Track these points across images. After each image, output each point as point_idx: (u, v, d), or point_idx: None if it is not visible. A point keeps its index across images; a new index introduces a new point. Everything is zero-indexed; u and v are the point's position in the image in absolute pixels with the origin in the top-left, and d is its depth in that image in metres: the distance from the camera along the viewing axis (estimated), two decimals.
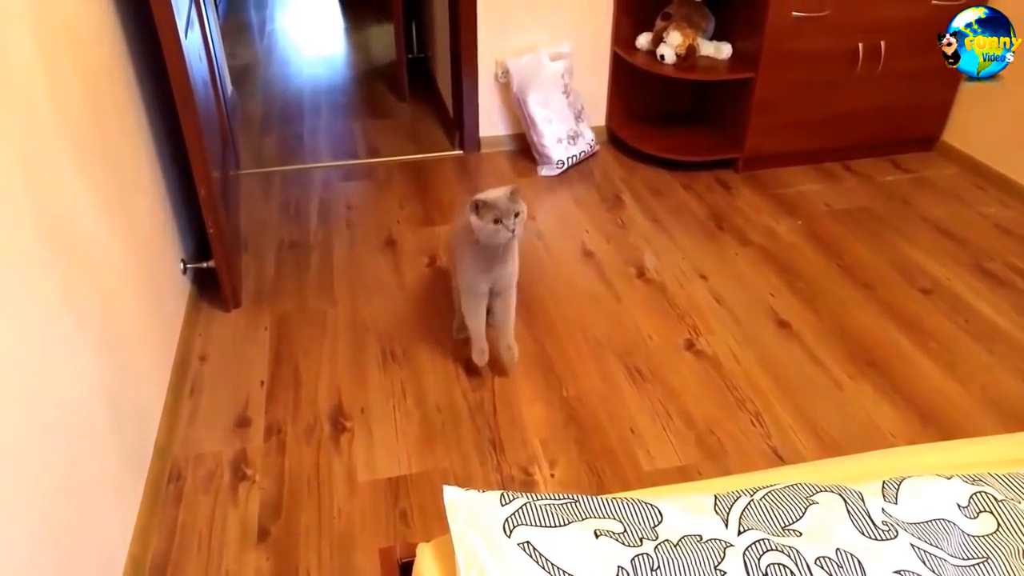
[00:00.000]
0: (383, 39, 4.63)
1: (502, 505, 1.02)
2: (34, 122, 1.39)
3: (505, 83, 3.12)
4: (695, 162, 3.13)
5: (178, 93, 1.95)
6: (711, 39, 3.07)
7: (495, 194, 1.82)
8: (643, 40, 3.09)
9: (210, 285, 2.35)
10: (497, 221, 1.79)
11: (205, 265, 2.26)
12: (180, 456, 1.85)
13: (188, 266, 2.26)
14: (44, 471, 1.24)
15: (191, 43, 2.18)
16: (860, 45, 2.89)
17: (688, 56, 2.94)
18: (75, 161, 1.55)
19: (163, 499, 1.74)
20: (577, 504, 1.03)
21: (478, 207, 1.81)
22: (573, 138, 3.10)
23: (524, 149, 3.22)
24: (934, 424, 1.95)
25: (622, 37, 3.14)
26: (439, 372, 2.12)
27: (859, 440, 1.91)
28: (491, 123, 3.22)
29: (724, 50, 3.01)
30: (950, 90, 3.14)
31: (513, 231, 1.81)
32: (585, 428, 1.95)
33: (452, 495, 1.04)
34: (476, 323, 2.03)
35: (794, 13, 2.77)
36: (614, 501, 1.04)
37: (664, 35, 2.96)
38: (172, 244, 2.21)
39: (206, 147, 2.08)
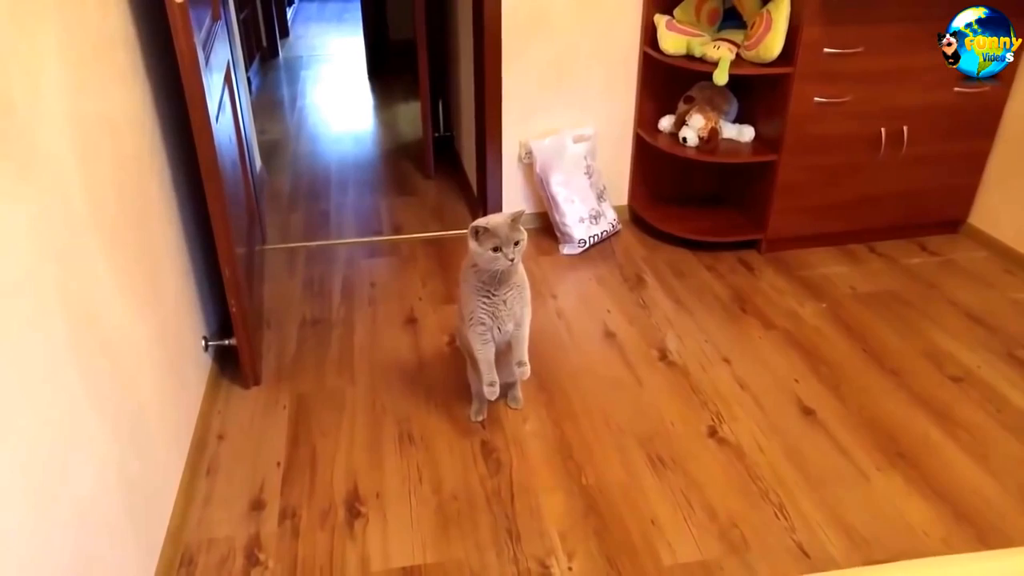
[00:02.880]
0: (410, 117, 4.76)
1: None
2: (66, 211, 1.42)
3: (528, 164, 3.17)
4: (718, 243, 3.13)
5: (207, 179, 2.00)
6: (734, 122, 3.11)
7: (496, 220, 1.83)
8: (665, 123, 3.14)
9: (231, 362, 2.36)
10: (496, 249, 1.80)
11: (227, 343, 2.28)
12: (193, 540, 1.82)
13: (210, 343, 2.28)
14: (53, 559, 1.22)
15: (222, 126, 2.25)
16: (883, 130, 2.91)
17: (710, 139, 2.98)
18: (104, 247, 1.58)
19: None
20: None
21: (478, 233, 1.82)
22: (595, 218, 3.13)
23: (547, 228, 3.25)
24: (968, 521, 1.87)
25: (645, 120, 3.20)
26: (456, 456, 2.09)
27: (889, 537, 1.83)
28: (514, 202, 3.26)
29: (747, 133, 3.05)
30: (975, 174, 3.13)
31: (512, 260, 1.81)
32: (605, 519, 1.89)
33: None
34: (484, 352, 2.00)
35: (816, 98, 2.81)
36: None
37: (687, 118, 3.01)
38: (195, 322, 2.23)
39: (231, 229, 2.12)
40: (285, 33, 6.87)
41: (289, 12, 7.35)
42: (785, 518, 1.89)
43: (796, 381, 2.38)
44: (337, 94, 5.52)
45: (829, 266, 3.04)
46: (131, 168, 1.82)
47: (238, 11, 4.80)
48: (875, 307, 2.76)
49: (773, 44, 2.71)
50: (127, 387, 1.63)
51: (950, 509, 1.90)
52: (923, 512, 1.90)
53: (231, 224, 2.12)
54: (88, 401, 1.42)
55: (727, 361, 2.47)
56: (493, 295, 1.96)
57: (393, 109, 5.08)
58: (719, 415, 2.24)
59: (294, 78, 5.88)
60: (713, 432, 2.17)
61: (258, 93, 5.31)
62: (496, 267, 1.86)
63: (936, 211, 3.20)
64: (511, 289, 1.97)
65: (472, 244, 1.87)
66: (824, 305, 2.78)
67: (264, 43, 6.04)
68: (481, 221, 1.85)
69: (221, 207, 2.06)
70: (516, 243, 1.85)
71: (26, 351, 1.21)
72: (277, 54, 6.31)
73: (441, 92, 4.22)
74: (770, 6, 2.72)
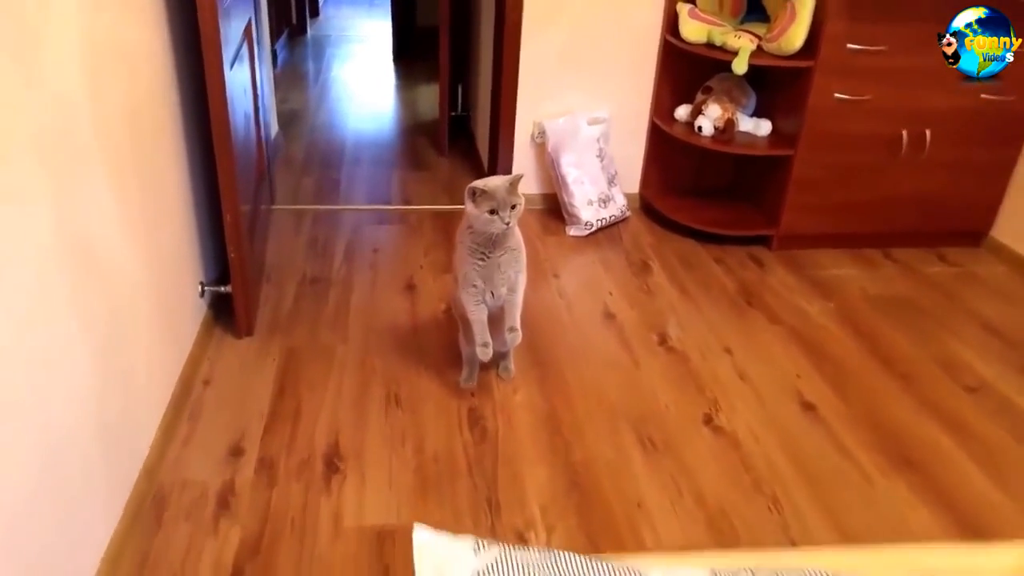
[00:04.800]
0: (430, 98, 4.73)
1: (475, 553, 0.94)
2: (71, 128, 1.40)
3: (541, 143, 3.13)
4: (728, 236, 3.07)
5: (215, 121, 1.98)
6: (751, 116, 3.05)
7: (494, 183, 1.81)
8: (682, 112, 3.09)
9: (226, 310, 2.33)
10: (493, 212, 1.77)
11: (223, 289, 2.25)
12: (167, 480, 1.79)
13: (206, 288, 2.25)
14: (18, 473, 1.19)
15: (236, 76, 2.22)
16: (904, 132, 2.84)
17: (726, 129, 2.92)
18: (108, 173, 1.56)
19: (142, 523, 1.66)
20: (556, 561, 0.94)
21: (475, 194, 1.80)
22: (604, 201, 3.08)
23: (555, 209, 3.21)
24: (975, 534, 1.78)
25: (662, 108, 3.15)
26: (442, 422, 2.04)
27: (887, 541, 1.75)
28: (524, 183, 3.15)
29: (764, 127, 2.99)
30: (1000, 185, 3.04)
31: (508, 223, 1.78)
32: (589, 496, 1.84)
33: (422, 537, 0.96)
34: (477, 313, 1.97)
35: (836, 95, 2.75)
36: (597, 563, 0.95)
37: (703, 108, 2.95)
38: (194, 266, 2.20)
39: (236, 174, 2.09)
40: (315, 13, 6.88)
41: None
42: (778, 512, 1.82)
43: (798, 376, 2.31)
44: (361, 72, 5.52)
45: (841, 267, 2.97)
46: (143, 103, 1.80)
47: None
48: (887, 311, 2.68)
49: (796, 36, 2.65)
50: (116, 313, 1.60)
51: (956, 520, 1.81)
52: (927, 520, 1.81)
53: (236, 171, 2.09)
54: (73, 317, 1.39)
55: (729, 351, 2.41)
56: (488, 257, 1.92)
57: (414, 90, 5.06)
58: (716, 403, 2.17)
59: (320, 54, 5.88)
60: (709, 420, 2.11)
61: (283, 66, 5.31)
62: (491, 230, 1.83)
63: (957, 221, 3.11)
64: (506, 252, 1.93)
65: (468, 206, 1.84)
66: (832, 305, 2.71)
67: (294, 20, 6.05)
68: (479, 183, 1.83)
69: (227, 151, 2.03)
70: (513, 207, 1.82)
71: (14, 256, 1.18)
72: (305, 31, 6.32)
73: (462, 77, 4.22)
74: None
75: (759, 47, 2.76)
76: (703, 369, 2.32)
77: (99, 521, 1.52)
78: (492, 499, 1.81)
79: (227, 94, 1.99)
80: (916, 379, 2.33)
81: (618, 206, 3.14)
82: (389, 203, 3.33)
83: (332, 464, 1.87)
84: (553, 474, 1.90)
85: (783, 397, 2.22)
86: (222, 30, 1.94)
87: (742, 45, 2.72)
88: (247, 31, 2.54)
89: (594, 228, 3.06)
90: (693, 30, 2.83)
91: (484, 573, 0.90)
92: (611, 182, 3.13)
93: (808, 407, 2.18)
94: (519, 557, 0.93)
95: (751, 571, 0.97)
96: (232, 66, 2.18)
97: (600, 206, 3.06)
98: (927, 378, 2.34)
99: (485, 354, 2.00)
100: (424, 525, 0.99)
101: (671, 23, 2.96)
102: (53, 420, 1.32)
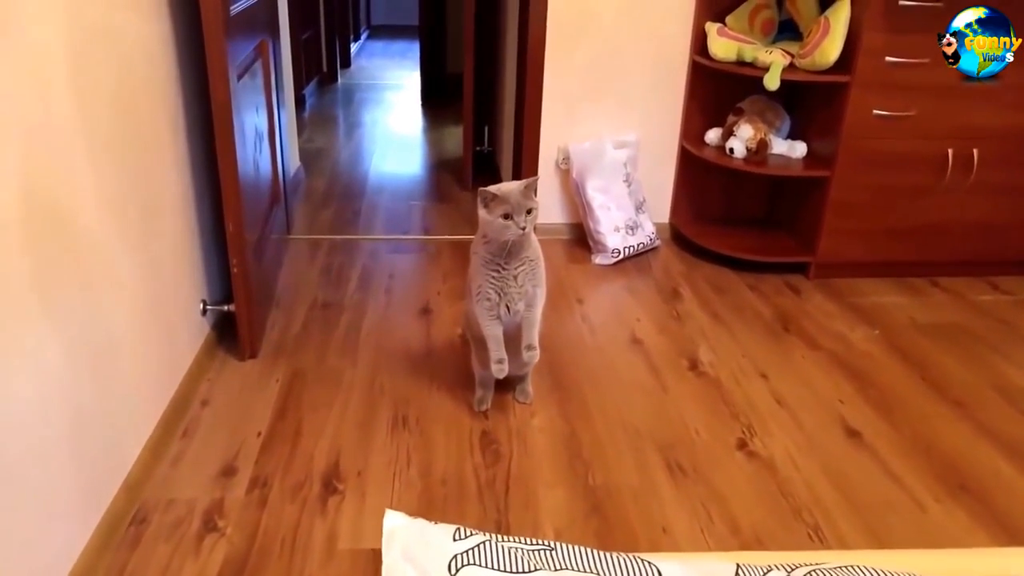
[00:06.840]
0: (456, 138, 4.72)
1: (455, 540, 0.79)
2: (45, 98, 1.34)
3: (565, 169, 3.04)
4: (763, 263, 2.91)
5: (217, 120, 1.91)
6: (786, 139, 2.93)
7: (508, 187, 1.71)
8: (712, 135, 2.98)
9: (230, 332, 2.23)
10: (507, 216, 1.67)
11: (226, 308, 2.16)
12: (151, 498, 1.66)
13: (208, 307, 2.16)
14: None
15: (244, 87, 2.19)
16: (950, 151, 2.69)
17: (759, 150, 2.80)
18: (90, 155, 1.49)
19: (118, 541, 1.53)
20: (552, 552, 0.79)
21: (487, 199, 1.69)
22: (632, 228, 2.95)
23: (580, 238, 3.09)
24: None
25: (691, 132, 3.05)
26: (452, 444, 1.89)
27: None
28: (548, 210, 3.12)
29: (799, 149, 2.86)
30: None
31: (523, 229, 1.69)
32: (610, 521, 1.66)
33: (394, 522, 0.82)
34: (492, 328, 1.85)
35: (875, 111, 2.62)
36: (600, 555, 0.79)
37: (735, 129, 2.84)
38: (196, 283, 2.12)
39: (239, 182, 2.02)
40: (347, 63, 7.02)
41: (354, 47, 7.55)
42: (820, 540, 1.63)
43: (841, 402, 2.12)
44: (389, 116, 5.56)
45: (885, 295, 2.78)
46: (137, 97, 1.74)
47: (300, 31, 4.92)
48: (937, 338, 2.48)
49: (830, 49, 2.54)
50: (95, 308, 1.52)
51: (1019, 545, 1.62)
52: (987, 546, 1.61)
53: (239, 178, 2.02)
54: (44, 313, 1.30)
55: (764, 377, 2.23)
56: (503, 269, 1.80)
57: (441, 131, 5.07)
58: (751, 428, 1.99)
59: (349, 100, 5.96)
60: (743, 444, 1.93)
61: (311, 111, 5.38)
62: (506, 236, 1.72)
63: (1009, 248, 2.91)
64: (523, 264, 1.81)
65: (481, 212, 1.74)
66: (877, 331, 2.52)
67: (324, 68, 6.16)
68: (492, 187, 1.73)
69: (229, 154, 1.96)
70: (528, 211, 1.72)
71: None
72: (336, 80, 6.43)
73: (488, 118, 4.21)
74: (828, 12, 2.58)
75: (791, 64, 2.67)
76: (737, 394, 2.14)
77: (68, 535, 1.40)
78: (502, 522, 1.65)
79: (230, 96, 1.92)
80: (972, 406, 2.13)
81: (646, 233, 3.01)
82: (408, 233, 3.25)
83: (330, 485, 1.73)
84: (571, 497, 1.73)
85: (825, 423, 2.03)
86: (227, 32, 1.90)
87: (774, 60, 2.62)
88: (261, 49, 2.52)
89: (621, 256, 2.93)
90: (723, 47, 2.75)
91: (463, 558, 0.75)
92: (639, 208, 3.02)
93: (853, 433, 1.99)
94: (506, 544, 0.78)
95: (785, 568, 0.80)
96: (241, 77, 2.14)
97: (627, 233, 2.94)
98: (984, 405, 2.14)
99: (501, 371, 1.86)
100: (399, 512, 0.85)
101: (699, 43, 2.88)
102: (12, 407, 1.22)
